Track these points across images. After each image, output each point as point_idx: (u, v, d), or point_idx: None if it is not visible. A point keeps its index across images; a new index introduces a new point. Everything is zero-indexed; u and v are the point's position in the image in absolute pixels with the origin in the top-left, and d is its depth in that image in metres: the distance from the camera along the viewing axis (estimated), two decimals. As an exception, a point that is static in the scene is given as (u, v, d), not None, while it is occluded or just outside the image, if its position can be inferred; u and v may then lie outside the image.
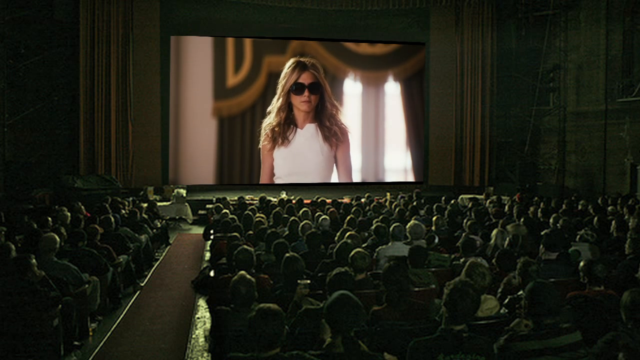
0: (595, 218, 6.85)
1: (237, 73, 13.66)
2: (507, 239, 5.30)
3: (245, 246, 4.39)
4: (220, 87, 13.68)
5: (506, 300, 3.57)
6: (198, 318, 5.43)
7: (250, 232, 6.67)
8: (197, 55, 13.66)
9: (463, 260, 4.66)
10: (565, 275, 4.48)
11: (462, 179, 14.87)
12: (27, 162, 11.91)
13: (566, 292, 3.64)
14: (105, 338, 4.88)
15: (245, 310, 3.17)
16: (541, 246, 4.85)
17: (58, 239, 4.97)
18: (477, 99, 14.67)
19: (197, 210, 12.18)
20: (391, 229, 5.50)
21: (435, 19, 14.77)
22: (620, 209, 8.34)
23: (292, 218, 6.75)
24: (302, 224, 6.25)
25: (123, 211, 8.71)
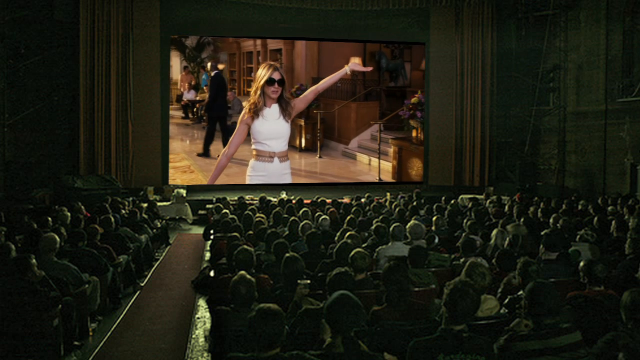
0: (595, 218, 6.85)
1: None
2: (507, 239, 5.29)
3: (245, 246, 4.39)
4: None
5: (506, 300, 3.57)
6: (198, 318, 5.43)
7: (250, 232, 6.66)
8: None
9: (463, 260, 4.66)
10: (565, 275, 4.48)
11: (462, 179, 14.87)
12: (27, 162, 11.90)
13: (566, 292, 3.64)
14: (105, 338, 4.88)
15: (245, 310, 3.17)
16: (541, 246, 4.85)
17: (58, 239, 4.97)
18: (477, 99, 14.67)
19: (197, 210, 12.18)
20: (391, 229, 5.49)
21: (435, 19, 14.77)
22: (620, 209, 8.34)
23: (292, 218, 6.74)
24: (302, 224, 6.25)
25: (123, 211, 8.71)
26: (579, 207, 9.08)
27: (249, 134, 13.42)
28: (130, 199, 10.72)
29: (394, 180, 14.88)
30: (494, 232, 5.73)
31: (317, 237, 5.49)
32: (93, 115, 12.69)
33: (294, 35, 14.18)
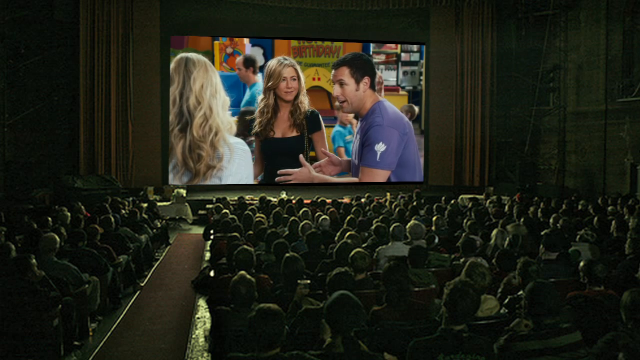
0: (595, 218, 6.85)
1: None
2: (507, 239, 5.30)
3: (245, 246, 4.39)
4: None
5: (506, 300, 3.57)
6: (198, 318, 5.43)
7: (250, 232, 6.67)
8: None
9: (463, 260, 4.66)
10: (565, 275, 4.48)
11: (462, 179, 14.88)
12: (27, 162, 11.90)
13: (566, 292, 3.64)
14: (105, 338, 4.88)
15: (245, 310, 3.17)
16: (541, 246, 4.85)
17: (58, 239, 4.97)
18: (477, 99, 14.67)
19: (197, 210, 12.18)
20: (391, 229, 5.49)
21: (435, 19, 14.77)
22: (620, 209, 8.35)
23: (292, 218, 6.74)
24: (302, 224, 6.25)
25: (123, 211, 8.71)
26: (579, 207, 9.08)
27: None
28: (130, 199, 10.72)
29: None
30: (494, 232, 5.73)
31: (317, 237, 5.49)
32: (93, 115, 12.69)
33: (294, 35, 14.17)
